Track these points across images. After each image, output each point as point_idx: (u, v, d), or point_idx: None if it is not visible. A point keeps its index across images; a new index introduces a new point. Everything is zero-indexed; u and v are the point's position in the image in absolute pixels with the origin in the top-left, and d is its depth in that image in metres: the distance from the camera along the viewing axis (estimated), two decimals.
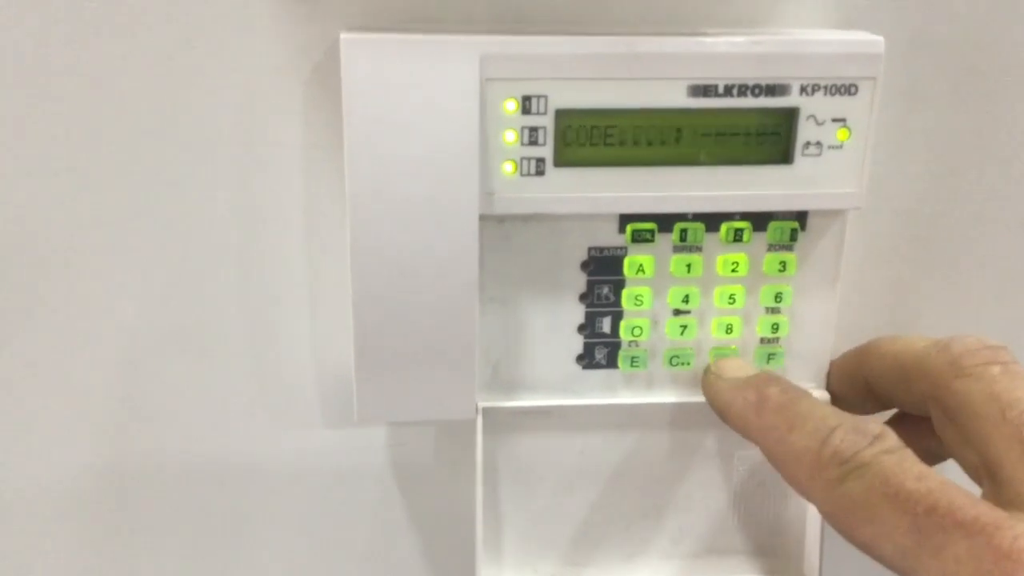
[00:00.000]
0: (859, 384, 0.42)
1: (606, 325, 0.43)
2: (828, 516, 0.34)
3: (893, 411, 0.42)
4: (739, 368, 0.41)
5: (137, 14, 0.39)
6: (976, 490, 0.33)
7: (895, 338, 0.40)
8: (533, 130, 0.38)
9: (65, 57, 0.40)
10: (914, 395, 0.38)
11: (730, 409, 0.39)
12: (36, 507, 0.47)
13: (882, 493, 0.31)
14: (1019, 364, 0.35)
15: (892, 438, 0.33)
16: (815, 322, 0.43)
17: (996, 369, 0.34)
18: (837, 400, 0.43)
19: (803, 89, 0.38)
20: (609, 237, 0.41)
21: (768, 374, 0.40)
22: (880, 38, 0.38)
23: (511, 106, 0.38)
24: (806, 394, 0.37)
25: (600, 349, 0.43)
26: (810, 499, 0.34)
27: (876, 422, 0.34)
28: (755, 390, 0.38)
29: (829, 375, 0.44)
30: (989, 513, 0.30)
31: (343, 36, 0.36)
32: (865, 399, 0.42)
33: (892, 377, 0.39)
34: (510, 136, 0.38)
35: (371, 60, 0.37)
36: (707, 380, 0.42)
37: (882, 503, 0.31)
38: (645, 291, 0.42)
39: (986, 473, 0.33)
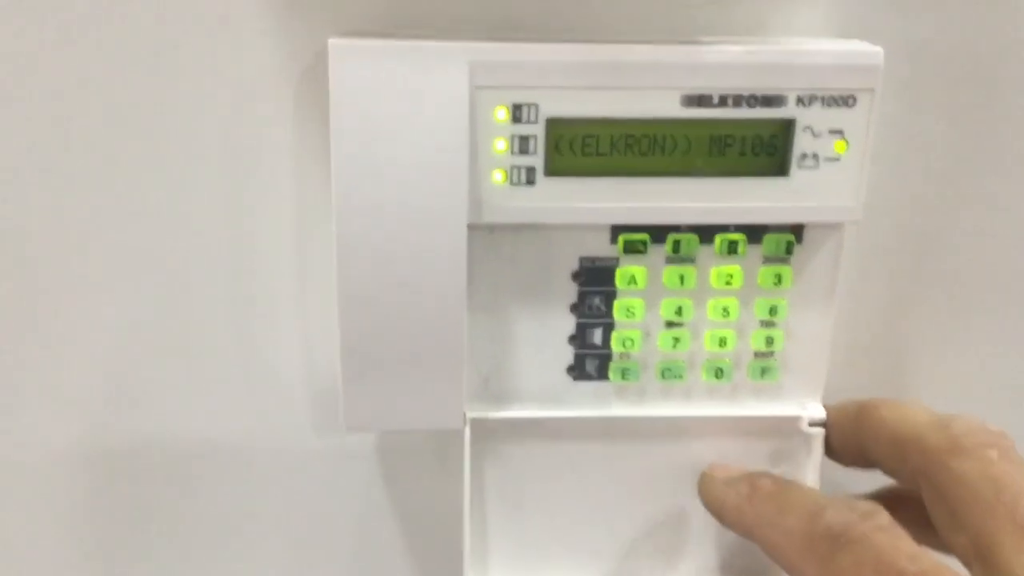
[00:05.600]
0: (853, 444, 0.40)
1: (597, 336, 0.42)
2: None
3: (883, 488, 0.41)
4: (733, 469, 0.42)
5: (126, 17, 0.39)
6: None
7: (895, 404, 0.39)
8: (524, 139, 0.38)
9: (53, 59, 0.39)
10: (908, 468, 0.37)
11: (724, 504, 0.40)
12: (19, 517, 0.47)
13: (874, 570, 0.31)
14: (1017, 452, 0.34)
15: (884, 516, 0.33)
16: (811, 336, 0.42)
17: (994, 452, 0.34)
18: (831, 452, 0.42)
19: (799, 100, 0.38)
20: (601, 247, 0.41)
21: (761, 470, 0.40)
22: (879, 48, 0.38)
23: (501, 114, 0.37)
24: (798, 483, 0.38)
25: (591, 360, 0.42)
26: None
27: (868, 501, 0.34)
28: (747, 482, 0.39)
29: (827, 426, 0.42)
30: None
31: (331, 41, 0.36)
32: (858, 457, 0.41)
33: (888, 446, 0.38)
34: (500, 145, 0.38)
35: (359, 66, 0.36)
36: (702, 481, 0.42)
37: None
38: (637, 302, 0.41)
39: (976, 556, 0.32)
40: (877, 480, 0.48)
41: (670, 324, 0.42)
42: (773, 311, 0.42)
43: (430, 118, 0.37)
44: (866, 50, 0.38)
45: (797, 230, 0.41)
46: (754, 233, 0.41)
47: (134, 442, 0.46)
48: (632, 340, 0.42)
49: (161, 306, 0.43)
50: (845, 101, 0.38)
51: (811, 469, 0.43)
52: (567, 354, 0.42)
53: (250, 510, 0.48)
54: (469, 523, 0.43)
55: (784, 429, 0.43)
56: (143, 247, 0.42)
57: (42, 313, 0.43)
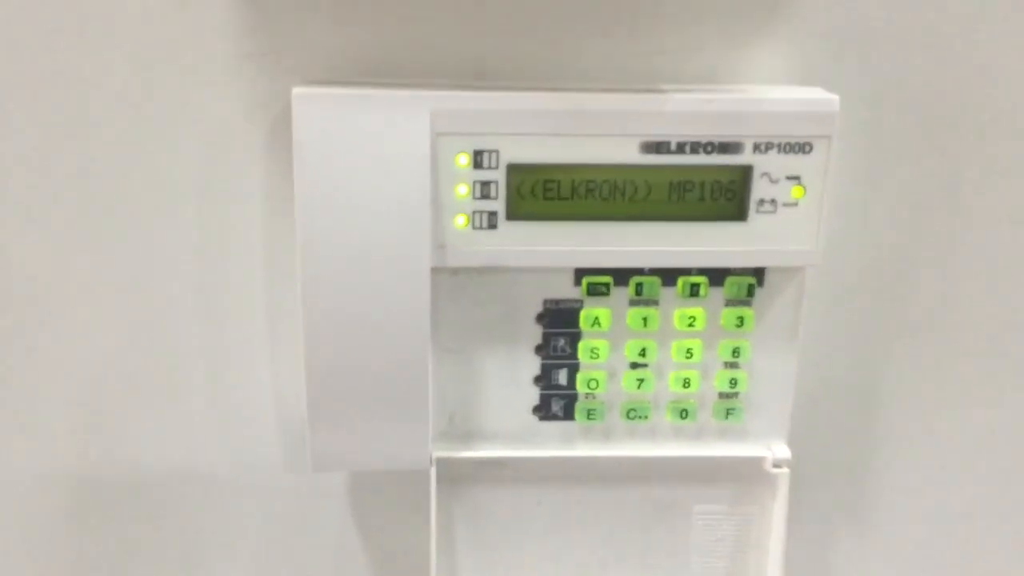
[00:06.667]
0: None
1: (562, 377, 0.42)
2: None
3: None
4: None
5: (101, 67, 0.40)
6: None
7: None
8: (485, 184, 0.38)
9: (29, 107, 0.40)
10: None
11: None
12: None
13: None
14: None
15: None
16: (775, 377, 0.43)
17: None
18: None
19: (756, 147, 0.38)
20: (564, 289, 0.41)
21: None
22: (835, 96, 0.38)
23: (463, 160, 0.38)
24: None
25: (556, 401, 0.43)
26: None
27: None
28: None
29: None
30: None
31: (295, 91, 0.37)
32: None
33: None
34: (462, 190, 0.38)
35: (322, 114, 0.37)
36: None
37: None
38: (602, 344, 0.42)
39: None
40: (847, 524, 0.49)
41: (635, 365, 0.42)
42: (736, 353, 0.42)
43: (393, 164, 0.37)
44: (822, 98, 0.39)
45: (758, 273, 0.41)
46: (716, 276, 0.41)
47: (107, 480, 0.46)
48: (597, 381, 0.42)
49: (131, 347, 0.44)
50: (802, 148, 0.38)
51: (777, 511, 0.43)
52: (533, 395, 0.43)
53: (220, 545, 0.48)
54: (436, 560, 0.43)
55: (750, 470, 0.44)
56: (117, 287, 0.43)
57: (18, 348, 0.44)
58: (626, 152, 0.38)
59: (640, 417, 0.43)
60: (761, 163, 0.39)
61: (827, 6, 0.41)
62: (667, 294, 0.41)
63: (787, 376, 0.43)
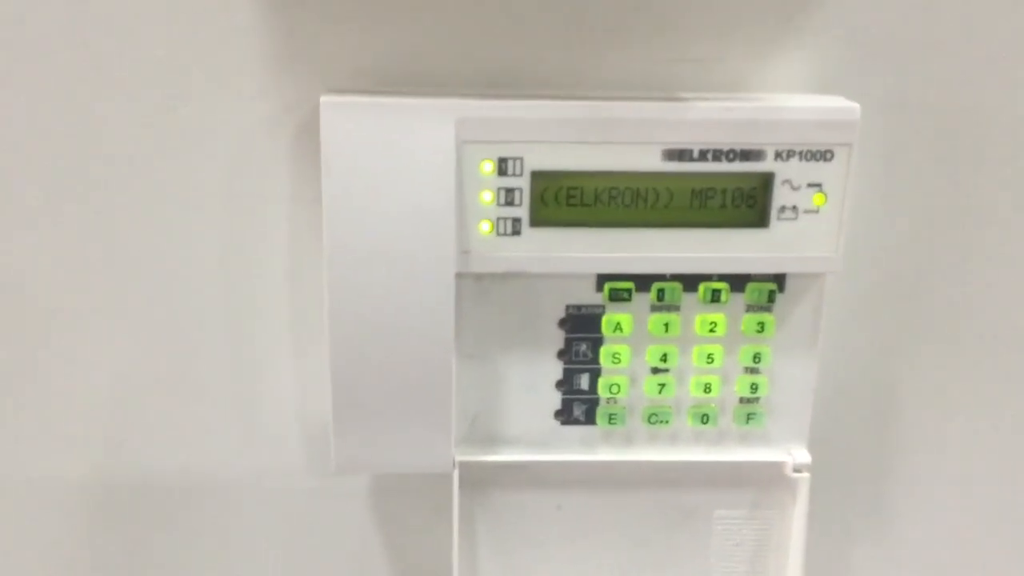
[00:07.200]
0: None
1: (584, 382, 0.43)
2: None
3: None
4: None
5: (126, 74, 0.40)
6: None
7: None
8: (509, 191, 0.39)
9: (57, 114, 0.41)
10: None
11: None
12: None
13: None
14: None
15: None
16: (795, 382, 0.43)
17: None
18: None
19: (778, 154, 0.39)
20: (587, 295, 0.42)
21: None
22: (856, 105, 0.39)
23: (487, 167, 0.38)
24: None
25: (578, 405, 0.43)
26: None
27: None
28: None
29: None
30: None
31: (323, 99, 0.37)
32: None
33: None
34: (487, 196, 0.39)
35: (350, 122, 0.37)
36: None
37: None
38: (623, 349, 0.42)
39: None
40: (868, 528, 0.49)
41: (656, 370, 0.43)
42: (757, 358, 0.42)
43: (418, 171, 0.38)
44: (843, 106, 0.39)
45: (779, 279, 0.42)
46: (737, 282, 0.41)
47: (131, 482, 0.47)
48: (619, 386, 0.43)
49: (159, 350, 0.45)
50: (823, 155, 0.39)
51: (797, 515, 0.44)
52: (555, 399, 0.43)
53: (242, 546, 0.49)
54: (458, 563, 0.43)
55: (770, 475, 0.44)
56: (142, 292, 0.44)
57: (43, 353, 0.45)
58: (649, 159, 0.39)
59: (661, 422, 0.43)
60: (782, 171, 0.39)
61: (848, 15, 0.41)
62: (688, 300, 0.42)
63: (807, 381, 0.43)
